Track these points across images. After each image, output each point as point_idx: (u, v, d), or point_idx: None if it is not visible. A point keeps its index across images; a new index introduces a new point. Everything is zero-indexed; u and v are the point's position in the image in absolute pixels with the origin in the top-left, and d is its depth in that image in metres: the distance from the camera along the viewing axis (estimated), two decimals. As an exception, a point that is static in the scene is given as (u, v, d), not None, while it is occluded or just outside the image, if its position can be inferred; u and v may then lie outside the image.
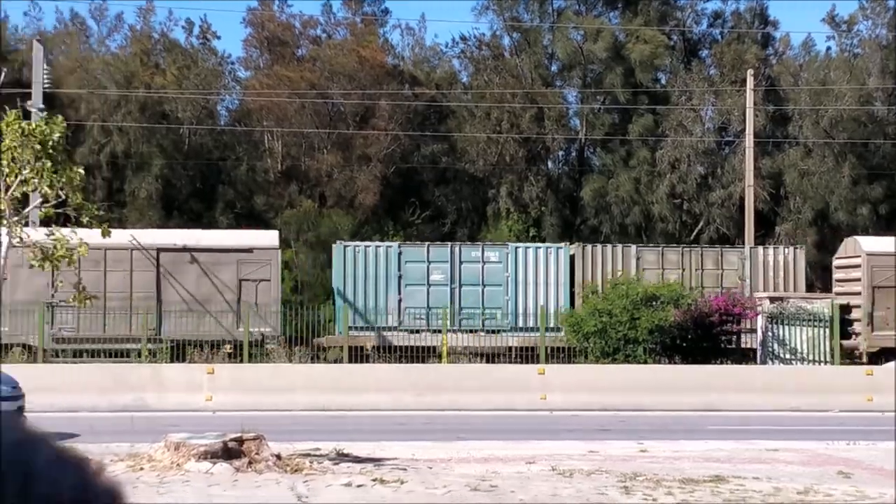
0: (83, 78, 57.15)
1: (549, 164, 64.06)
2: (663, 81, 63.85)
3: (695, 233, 60.11)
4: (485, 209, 60.43)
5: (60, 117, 19.05)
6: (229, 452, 15.59)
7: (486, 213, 60.11)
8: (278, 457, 15.76)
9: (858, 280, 38.61)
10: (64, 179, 18.03)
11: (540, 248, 40.96)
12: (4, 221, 18.33)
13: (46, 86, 43.16)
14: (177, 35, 61.65)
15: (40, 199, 19.31)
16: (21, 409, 21.04)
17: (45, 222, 20.76)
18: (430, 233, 54.39)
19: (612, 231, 58.83)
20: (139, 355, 34.98)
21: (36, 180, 18.03)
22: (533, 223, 58.75)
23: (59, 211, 19.22)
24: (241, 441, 15.85)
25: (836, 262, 41.10)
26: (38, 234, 19.77)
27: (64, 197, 18.44)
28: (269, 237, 39.18)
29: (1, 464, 0.82)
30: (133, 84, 57.21)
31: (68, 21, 62.25)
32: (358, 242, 41.86)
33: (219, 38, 61.56)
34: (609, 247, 41.28)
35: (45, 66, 43.55)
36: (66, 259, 19.08)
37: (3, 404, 20.44)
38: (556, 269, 39.62)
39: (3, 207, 18.20)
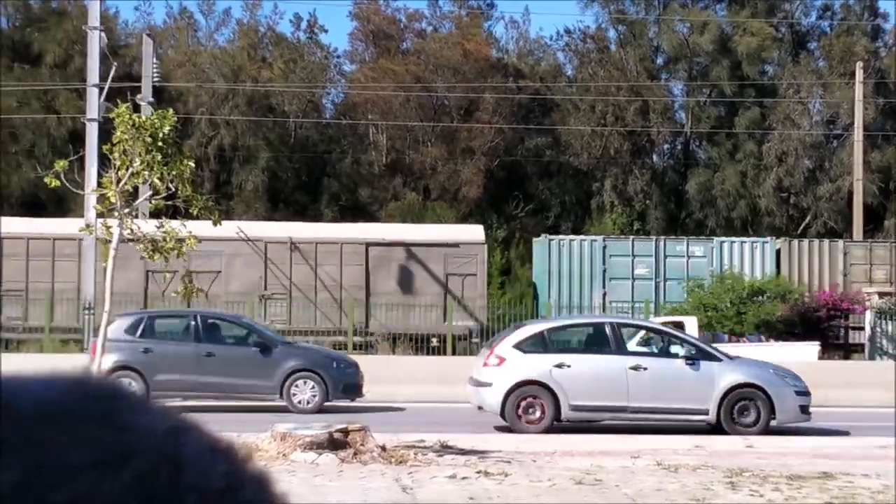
0: (191, 72, 57.90)
1: (654, 157, 63.72)
2: (770, 74, 63.20)
3: (802, 227, 59.38)
4: (589, 202, 60.23)
5: (171, 110, 19.31)
6: (335, 443, 15.72)
7: (591, 207, 59.92)
8: (383, 448, 15.86)
9: None
10: (174, 172, 18.26)
11: (745, 242, 40.73)
12: (116, 213, 18.62)
13: (156, 79, 43.80)
14: (283, 29, 62.27)
15: (150, 192, 19.60)
16: (808, 408, 21.34)
17: (155, 214, 21.04)
18: (534, 226, 54.31)
19: (717, 225, 58.30)
20: (351, 347, 35.62)
21: (146, 173, 18.28)
22: (637, 217, 58.46)
23: (169, 203, 19.48)
24: (346, 432, 15.97)
25: None
26: (148, 226, 20.05)
27: (174, 189, 18.68)
28: (476, 232, 39.51)
29: (152, 454, 0.83)
30: (240, 78, 57.86)
31: (177, 16, 63.13)
32: (562, 236, 41.98)
33: (326, 31, 62.02)
34: (816, 241, 40.96)
35: (155, 61, 44.19)
36: (176, 251, 19.30)
37: (801, 399, 21.20)
38: (761, 263, 39.36)
39: (114, 200, 18.49)
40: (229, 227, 37.89)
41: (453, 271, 37.51)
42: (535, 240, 41.88)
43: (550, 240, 40.20)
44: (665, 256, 39.47)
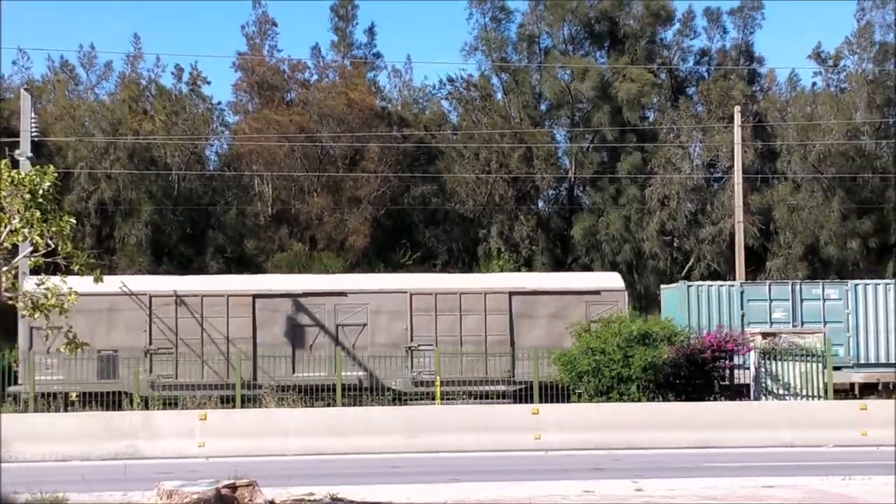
0: (71, 125, 57.23)
1: (539, 203, 64.21)
2: (651, 119, 64.09)
3: (685, 269, 60.11)
4: (476, 249, 60.45)
5: (51, 167, 19.02)
6: (222, 499, 15.50)
7: (477, 254, 60.13)
8: (272, 503, 15.67)
9: None
10: (54, 228, 18.01)
11: (879, 284, 41.24)
12: (-6, 271, 18.27)
13: (34, 134, 43.18)
14: (165, 81, 61.81)
15: (30, 249, 19.27)
16: None
17: (35, 271, 20.68)
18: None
19: (603, 269, 58.79)
20: (499, 396, 35.81)
21: (26, 230, 17.99)
22: (524, 262, 58.77)
23: (49, 260, 19.17)
24: (234, 488, 15.77)
25: None
26: (28, 283, 19.70)
27: (54, 246, 18.39)
28: (615, 279, 39.53)
29: None
30: (120, 131, 57.27)
31: (58, 68, 62.37)
32: (700, 282, 42.10)
33: (208, 83, 61.64)
34: None
35: (33, 115, 43.55)
36: (58, 308, 18.96)
37: None
38: (895, 304, 40.15)
39: (-8, 257, 18.16)
40: (377, 279, 38.63)
41: (596, 318, 37.63)
42: (665, 287, 42.53)
43: (689, 286, 40.60)
44: (802, 300, 40.11)
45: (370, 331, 37.05)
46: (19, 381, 35.18)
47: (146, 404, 34.21)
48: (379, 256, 57.68)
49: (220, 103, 63.30)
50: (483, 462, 24.51)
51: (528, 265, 58.50)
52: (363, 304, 37.02)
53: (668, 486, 18.60)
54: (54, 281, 19.25)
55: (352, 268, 54.39)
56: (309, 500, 16.54)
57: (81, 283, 22.60)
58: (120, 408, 33.75)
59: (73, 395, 33.82)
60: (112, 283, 35.23)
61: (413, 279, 39.75)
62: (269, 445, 26.39)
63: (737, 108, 52.61)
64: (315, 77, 63.99)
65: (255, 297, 36.67)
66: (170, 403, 34.40)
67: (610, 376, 33.90)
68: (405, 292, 37.56)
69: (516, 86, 63.37)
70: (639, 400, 32.99)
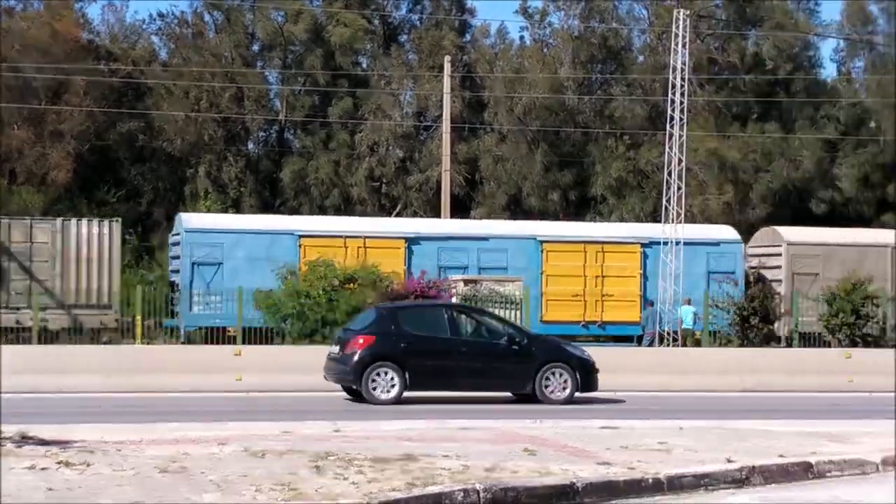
0: None
1: (249, 144, 63.89)
2: (364, 65, 64.42)
3: (393, 215, 60.76)
4: (183, 189, 59.71)
5: None
6: None
7: (184, 193, 59.39)
8: (-47, 441, 15.20)
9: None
10: None
11: None
12: None
13: None
14: None
15: None
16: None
17: None
18: (126, 212, 53.23)
19: (311, 213, 58.91)
20: None
21: None
22: (232, 204, 58.34)
23: None
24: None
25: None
26: None
27: None
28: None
29: None
30: None
31: None
32: None
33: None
34: None
35: None
36: None
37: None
38: None
39: None
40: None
41: None
42: None
43: None
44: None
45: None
46: None
47: None
48: (82, 193, 56.32)
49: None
50: (185, 403, 24.33)
51: (237, 207, 58.11)
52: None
53: (366, 427, 18.87)
54: None
55: (53, 204, 52.89)
56: (-3, 439, 16.07)
57: None
58: None
59: None
60: None
61: None
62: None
63: (447, 58, 53.32)
64: (20, 6, 61.81)
65: None
66: None
67: (314, 319, 34.04)
68: None
69: (229, 24, 62.68)
70: (343, 343, 33.20)
